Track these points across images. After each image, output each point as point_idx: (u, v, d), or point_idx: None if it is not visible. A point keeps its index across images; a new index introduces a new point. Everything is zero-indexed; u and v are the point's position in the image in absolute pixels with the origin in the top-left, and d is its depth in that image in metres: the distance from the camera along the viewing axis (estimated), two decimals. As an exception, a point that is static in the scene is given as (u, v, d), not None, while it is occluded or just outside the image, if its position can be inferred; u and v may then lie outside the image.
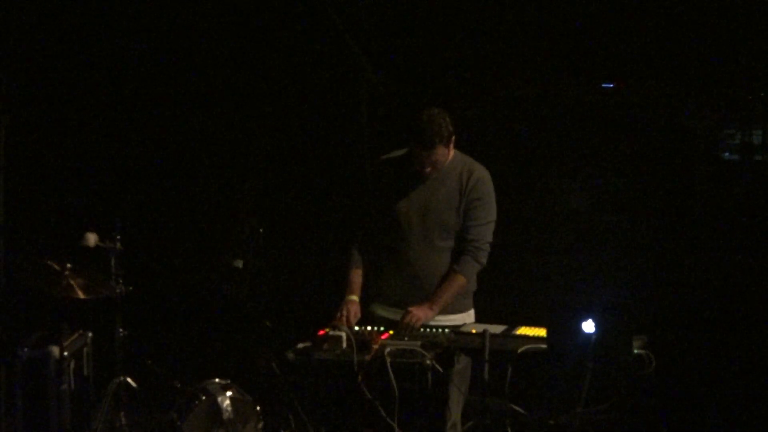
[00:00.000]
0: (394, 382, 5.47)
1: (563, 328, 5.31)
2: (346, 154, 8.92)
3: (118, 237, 6.73)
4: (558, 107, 8.92)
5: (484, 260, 6.00)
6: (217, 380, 6.56)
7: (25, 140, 8.65)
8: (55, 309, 6.68)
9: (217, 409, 6.41)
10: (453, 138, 5.91)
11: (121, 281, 6.76)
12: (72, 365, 6.65)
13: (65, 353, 6.52)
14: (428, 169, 5.91)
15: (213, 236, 8.47)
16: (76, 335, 6.81)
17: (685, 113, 8.88)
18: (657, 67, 8.79)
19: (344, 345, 5.63)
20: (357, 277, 6.08)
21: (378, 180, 6.16)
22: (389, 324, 5.91)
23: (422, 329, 5.80)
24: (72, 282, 6.52)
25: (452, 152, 5.99)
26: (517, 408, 5.64)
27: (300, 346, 5.74)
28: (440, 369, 5.54)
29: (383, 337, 5.72)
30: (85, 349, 6.85)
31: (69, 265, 6.56)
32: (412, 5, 8.98)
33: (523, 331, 5.73)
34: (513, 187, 8.43)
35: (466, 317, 6.08)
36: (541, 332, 5.59)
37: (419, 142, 5.83)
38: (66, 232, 7.02)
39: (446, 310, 5.97)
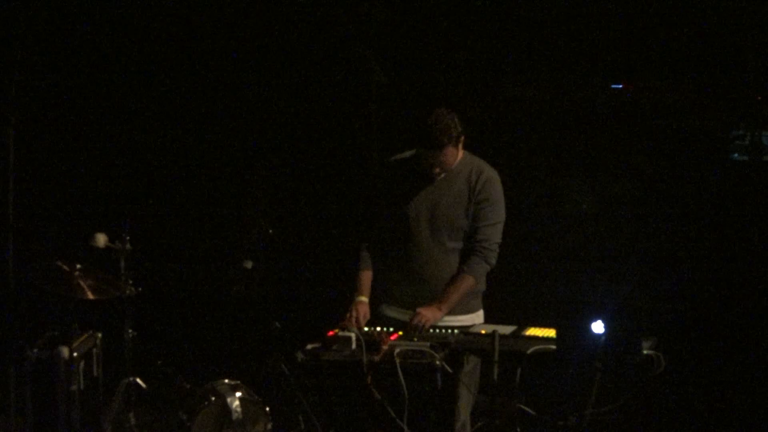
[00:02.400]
0: (403, 382, 5.47)
1: (573, 329, 5.31)
2: (355, 156, 8.92)
3: (128, 238, 6.74)
4: (567, 108, 8.91)
5: (493, 261, 6.01)
6: (226, 381, 6.57)
7: (34, 140, 8.67)
8: (65, 310, 6.69)
9: (227, 409, 6.41)
10: (462, 138, 5.91)
11: (130, 282, 6.77)
12: (81, 366, 6.66)
13: (75, 354, 6.54)
14: (436, 170, 5.91)
15: (222, 237, 8.48)
16: (85, 336, 6.83)
17: (693, 114, 8.87)
18: (666, 68, 8.78)
19: (353, 346, 5.63)
20: (366, 278, 6.09)
21: (387, 181, 6.16)
22: (398, 325, 5.91)
23: (431, 330, 5.81)
24: (81, 283, 6.53)
25: (461, 153, 5.99)
26: (526, 409, 5.64)
27: (309, 346, 5.74)
28: (449, 370, 5.54)
29: (392, 337, 5.73)
30: (94, 350, 6.86)
31: (78, 266, 6.57)
32: (421, 7, 8.98)
33: (533, 332, 5.74)
34: (523, 188, 8.42)
35: (475, 318, 6.08)
36: (551, 333, 5.59)
37: (427, 142, 5.83)
38: (75, 232, 7.04)
39: (455, 311, 5.97)
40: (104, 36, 9.06)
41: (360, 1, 8.88)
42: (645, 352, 5.35)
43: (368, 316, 5.97)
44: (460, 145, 5.95)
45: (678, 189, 8.71)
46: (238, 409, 6.43)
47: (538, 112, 8.97)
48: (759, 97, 8.72)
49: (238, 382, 6.58)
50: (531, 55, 8.91)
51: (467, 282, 5.94)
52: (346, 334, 5.68)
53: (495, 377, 5.46)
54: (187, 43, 9.10)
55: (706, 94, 8.84)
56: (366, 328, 5.86)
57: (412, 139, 5.98)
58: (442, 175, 5.99)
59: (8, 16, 8.45)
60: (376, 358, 5.56)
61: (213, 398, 6.46)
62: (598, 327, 5.25)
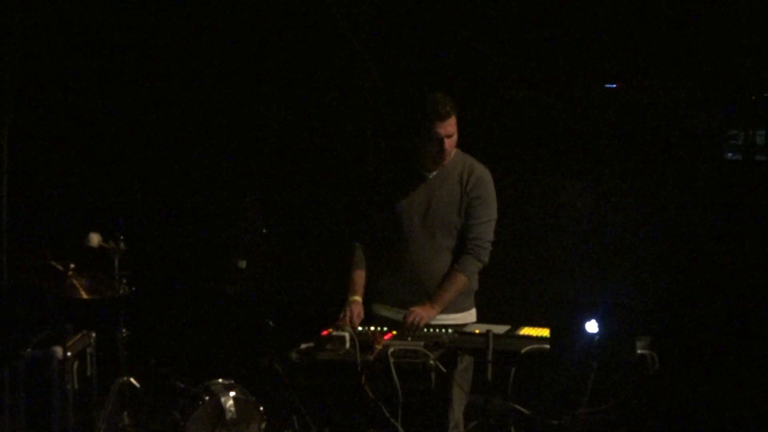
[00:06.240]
0: (397, 382, 5.47)
1: (567, 329, 5.31)
2: (349, 156, 8.93)
3: (122, 237, 6.73)
4: (562, 108, 8.92)
5: (485, 259, 6.01)
6: (220, 380, 6.56)
7: (28, 140, 8.66)
8: (59, 309, 6.69)
9: (221, 409, 6.41)
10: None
11: (124, 281, 6.76)
12: (75, 365, 6.66)
13: (68, 353, 6.53)
14: (446, 146, 5.88)
15: (216, 236, 8.48)
16: (79, 335, 6.83)
17: (688, 113, 8.88)
18: (660, 68, 8.78)
19: (347, 345, 5.63)
20: (360, 277, 6.08)
21: (379, 180, 6.17)
22: (391, 324, 5.91)
23: (425, 329, 5.80)
24: (75, 282, 6.52)
25: (454, 150, 6.00)
26: (520, 408, 5.63)
27: (303, 346, 5.74)
28: (443, 369, 5.54)
29: (386, 337, 5.72)
30: (88, 350, 6.86)
31: (72, 266, 6.56)
32: (416, 6, 8.98)
33: (527, 331, 5.73)
34: (517, 187, 8.43)
35: (468, 316, 6.08)
36: (545, 332, 5.58)
37: (435, 113, 5.82)
38: (69, 232, 7.02)
39: (447, 310, 5.97)
40: (98, 36, 9.06)
41: (356, 1, 8.88)
42: (639, 351, 5.34)
43: (362, 315, 5.97)
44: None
45: (672, 188, 8.72)
46: (232, 409, 6.43)
47: (533, 112, 8.97)
48: (753, 97, 8.74)
49: (232, 381, 6.58)
50: (526, 56, 8.91)
51: (460, 280, 5.95)
52: (340, 333, 5.67)
53: (489, 377, 5.45)
54: (181, 43, 9.10)
55: (700, 93, 8.85)
56: (360, 328, 5.86)
57: (415, 119, 5.96)
58: (435, 172, 6.00)
59: (2, 17, 8.44)
60: (370, 357, 5.55)
61: (207, 398, 6.45)
62: (592, 326, 5.25)
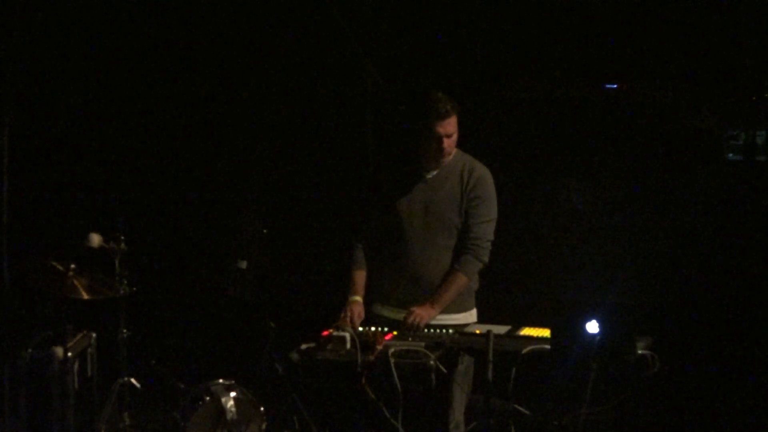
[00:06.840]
0: (397, 382, 5.47)
1: (567, 329, 5.31)
2: (349, 156, 8.93)
3: (122, 237, 6.74)
4: (562, 108, 8.92)
5: (485, 258, 6.01)
6: (220, 381, 6.56)
7: (29, 140, 8.66)
8: (59, 309, 6.69)
9: (221, 409, 6.41)
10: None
11: (125, 282, 6.76)
12: (76, 366, 6.66)
13: (69, 354, 6.53)
14: (446, 146, 5.88)
15: (217, 237, 8.47)
16: (80, 336, 6.83)
17: (688, 113, 8.88)
18: (661, 68, 8.78)
19: (348, 346, 5.63)
20: (360, 277, 6.09)
21: (380, 180, 6.17)
22: (391, 324, 5.91)
23: (426, 330, 5.81)
24: (76, 282, 6.53)
25: (454, 150, 6.01)
26: (520, 408, 5.64)
27: (304, 346, 5.74)
28: (444, 369, 5.54)
29: (387, 337, 5.73)
30: (88, 350, 6.86)
31: (73, 266, 6.56)
32: (415, 7, 8.98)
33: (527, 331, 5.73)
34: (517, 186, 8.43)
35: (468, 316, 6.09)
36: (545, 333, 5.59)
37: (435, 112, 5.83)
38: (70, 232, 7.03)
39: (448, 309, 5.98)
40: (98, 36, 9.06)
41: (356, 2, 8.88)
42: (639, 351, 5.35)
43: (363, 315, 5.97)
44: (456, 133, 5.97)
45: (672, 188, 8.72)
46: (233, 409, 6.43)
47: (533, 113, 8.97)
48: (753, 97, 8.73)
49: (233, 382, 6.58)
50: (526, 56, 8.91)
51: (460, 280, 5.95)
52: (341, 333, 5.67)
53: (489, 377, 5.46)
54: (182, 43, 9.10)
55: (701, 94, 8.84)
56: (360, 328, 5.86)
57: (415, 119, 5.96)
58: (435, 172, 6.00)
59: (2, 17, 8.44)
60: (371, 357, 5.56)
61: (207, 398, 6.45)
62: (592, 327, 5.25)
